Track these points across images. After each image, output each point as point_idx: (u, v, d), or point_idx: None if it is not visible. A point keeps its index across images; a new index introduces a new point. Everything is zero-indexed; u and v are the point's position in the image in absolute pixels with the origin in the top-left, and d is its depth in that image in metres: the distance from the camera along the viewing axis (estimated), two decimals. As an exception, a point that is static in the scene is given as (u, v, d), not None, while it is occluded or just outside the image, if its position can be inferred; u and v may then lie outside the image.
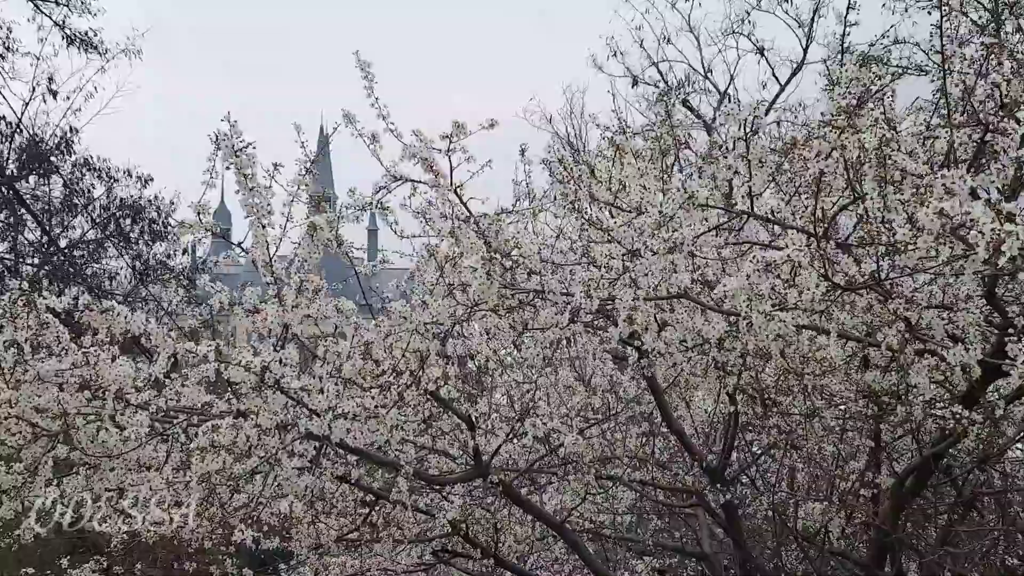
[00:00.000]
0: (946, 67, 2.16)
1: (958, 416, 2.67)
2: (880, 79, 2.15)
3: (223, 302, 3.19)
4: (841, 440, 3.92)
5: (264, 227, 2.84)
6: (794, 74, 16.11)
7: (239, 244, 3.73)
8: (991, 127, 2.15)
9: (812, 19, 15.80)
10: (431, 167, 3.36)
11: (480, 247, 2.97)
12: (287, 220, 3.33)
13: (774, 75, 16.32)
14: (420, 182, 3.51)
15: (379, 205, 3.16)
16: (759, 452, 4.67)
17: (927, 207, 1.76)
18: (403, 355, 2.92)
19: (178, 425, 2.89)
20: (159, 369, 2.82)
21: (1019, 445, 4.23)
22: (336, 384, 2.99)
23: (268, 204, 2.83)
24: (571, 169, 3.16)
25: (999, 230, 1.60)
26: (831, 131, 2.17)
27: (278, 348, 2.81)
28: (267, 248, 2.90)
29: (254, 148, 2.85)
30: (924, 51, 12.55)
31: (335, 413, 2.82)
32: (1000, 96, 2.10)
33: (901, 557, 3.88)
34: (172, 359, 2.90)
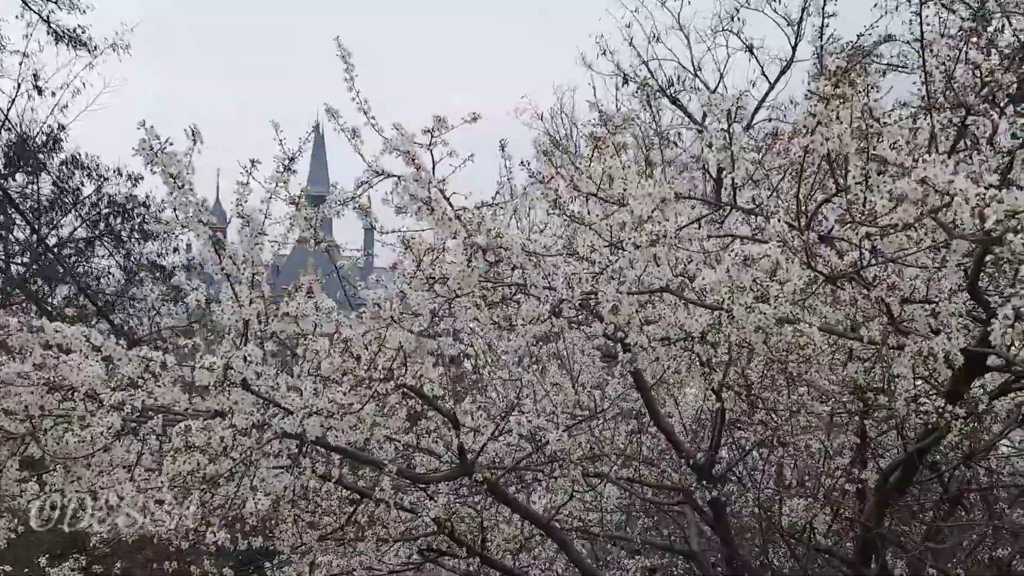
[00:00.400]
0: (925, 54, 2.13)
1: (941, 411, 2.64)
2: (858, 61, 2.11)
3: (200, 300, 3.15)
4: (827, 436, 3.90)
5: (204, 224, 2.79)
6: (783, 72, 16.06)
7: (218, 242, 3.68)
8: (972, 110, 2.12)
9: (801, 16, 15.76)
10: (413, 160, 3.29)
11: (456, 226, 2.91)
12: (265, 217, 3.30)
13: (763, 73, 16.26)
14: (401, 177, 3.45)
15: (354, 201, 3.10)
16: (748, 448, 4.64)
17: (909, 176, 1.72)
18: (379, 350, 2.87)
19: (152, 425, 2.84)
20: (131, 370, 2.77)
21: (1005, 441, 4.22)
22: (315, 382, 2.94)
23: (204, 201, 2.79)
24: (555, 159, 3.11)
25: (983, 195, 1.57)
26: (818, 103, 2.12)
27: (239, 345, 2.76)
28: (212, 245, 2.86)
29: (179, 144, 2.80)
30: (906, 42, 12.51)
31: (308, 411, 2.77)
32: (980, 77, 2.07)
33: (886, 554, 3.86)
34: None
